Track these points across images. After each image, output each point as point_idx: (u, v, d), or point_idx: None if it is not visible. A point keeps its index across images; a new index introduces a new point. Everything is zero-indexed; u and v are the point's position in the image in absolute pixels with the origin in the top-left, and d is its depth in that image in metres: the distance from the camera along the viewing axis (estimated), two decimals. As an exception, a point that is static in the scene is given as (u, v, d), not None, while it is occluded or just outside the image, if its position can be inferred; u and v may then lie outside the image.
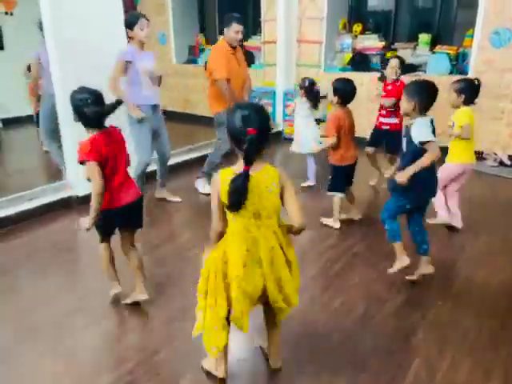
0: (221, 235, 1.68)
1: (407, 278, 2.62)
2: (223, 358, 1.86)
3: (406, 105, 2.41)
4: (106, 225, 2.27)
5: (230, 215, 1.62)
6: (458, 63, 5.25)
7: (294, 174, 4.53)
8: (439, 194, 3.12)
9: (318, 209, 3.63)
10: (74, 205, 3.77)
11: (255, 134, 1.48)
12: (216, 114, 3.91)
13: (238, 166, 1.57)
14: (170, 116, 7.26)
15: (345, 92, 3.17)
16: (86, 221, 2.13)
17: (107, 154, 2.13)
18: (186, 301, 2.38)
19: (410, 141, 2.39)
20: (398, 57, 4.22)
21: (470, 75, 4.92)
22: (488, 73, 4.82)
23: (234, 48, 3.86)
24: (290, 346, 2.09)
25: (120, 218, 2.26)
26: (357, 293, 2.54)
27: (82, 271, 2.88)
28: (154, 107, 3.57)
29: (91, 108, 2.08)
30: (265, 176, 1.59)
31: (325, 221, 3.44)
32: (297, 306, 1.79)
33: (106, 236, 2.35)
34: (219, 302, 1.66)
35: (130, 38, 3.44)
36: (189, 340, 2.10)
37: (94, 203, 2.10)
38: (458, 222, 3.27)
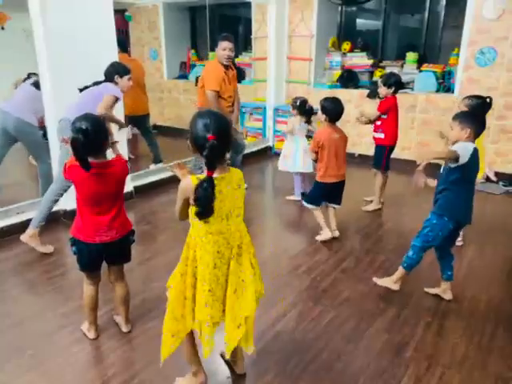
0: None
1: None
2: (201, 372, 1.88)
3: (457, 133, 2.30)
4: (82, 258, 2.12)
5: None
6: (444, 81, 5.37)
7: (281, 188, 4.56)
8: None
9: (307, 224, 3.65)
10: (61, 219, 3.74)
11: (215, 139, 1.52)
12: None
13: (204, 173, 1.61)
14: (162, 131, 7.34)
15: (332, 111, 3.22)
16: None
17: (86, 190, 1.99)
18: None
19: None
20: (381, 76, 4.25)
21: (456, 93, 5.05)
22: (473, 91, 4.92)
23: (225, 67, 3.97)
24: (279, 364, 2.08)
25: (99, 253, 2.11)
26: (346, 309, 2.54)
27: (70, 286, 2.83)
28: None
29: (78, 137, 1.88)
30: (233, 176, 1.66)
31: (319, 238, 3.43)
32: (252, 315, 1.76)
33: (87, 271, 2.17)
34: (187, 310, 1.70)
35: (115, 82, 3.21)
36: (177, 357, 2.08)
37: None
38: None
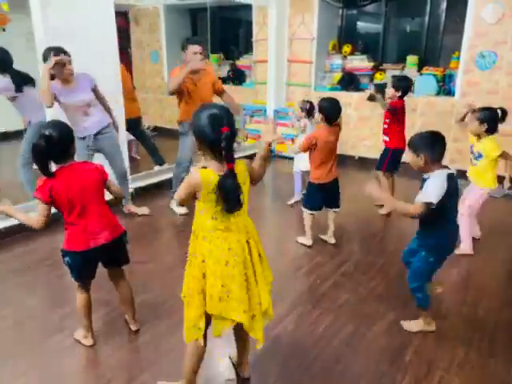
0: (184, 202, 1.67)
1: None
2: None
3: (413, 160, 2.16)
4: (76, 268, 2.09)
5: (207, 214, 1.59)
6: (445, 84, 5.38)
7: (282, 190, 4.56)
8: (465, 223, 3.18)
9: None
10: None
11: (229, 131, 1.49)
12: (180, 123, 3.95)
13: (215, 166, 1.56)
14: (162, 133, 7.34)
15: (329, 111, 3.20)
16: (6, 209, 1.98)
17: (63, 197, 1.94)
18: (172, 320, 2.36)
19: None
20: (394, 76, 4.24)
21: (457, 96, 5.05)
22: (473, 94, 4.94)
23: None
24: (279, 367, 2.07)
25: (93, 261, 2.10)
26: (346, 312, 2.54)
27: (69, 288, 2.83)
28: (96, 133, 3.51)
29: (44, 144, 1.86)
30: (240, 169, 1.60)
31: (299, 239, 3.47)
32: (271, 316, 1.78)
33: (82, 282, 2.15)
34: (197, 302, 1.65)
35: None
36: (175, 360, 2.07)
37: (25, 221, 2.01)
38: (477, 233, 3.52)
